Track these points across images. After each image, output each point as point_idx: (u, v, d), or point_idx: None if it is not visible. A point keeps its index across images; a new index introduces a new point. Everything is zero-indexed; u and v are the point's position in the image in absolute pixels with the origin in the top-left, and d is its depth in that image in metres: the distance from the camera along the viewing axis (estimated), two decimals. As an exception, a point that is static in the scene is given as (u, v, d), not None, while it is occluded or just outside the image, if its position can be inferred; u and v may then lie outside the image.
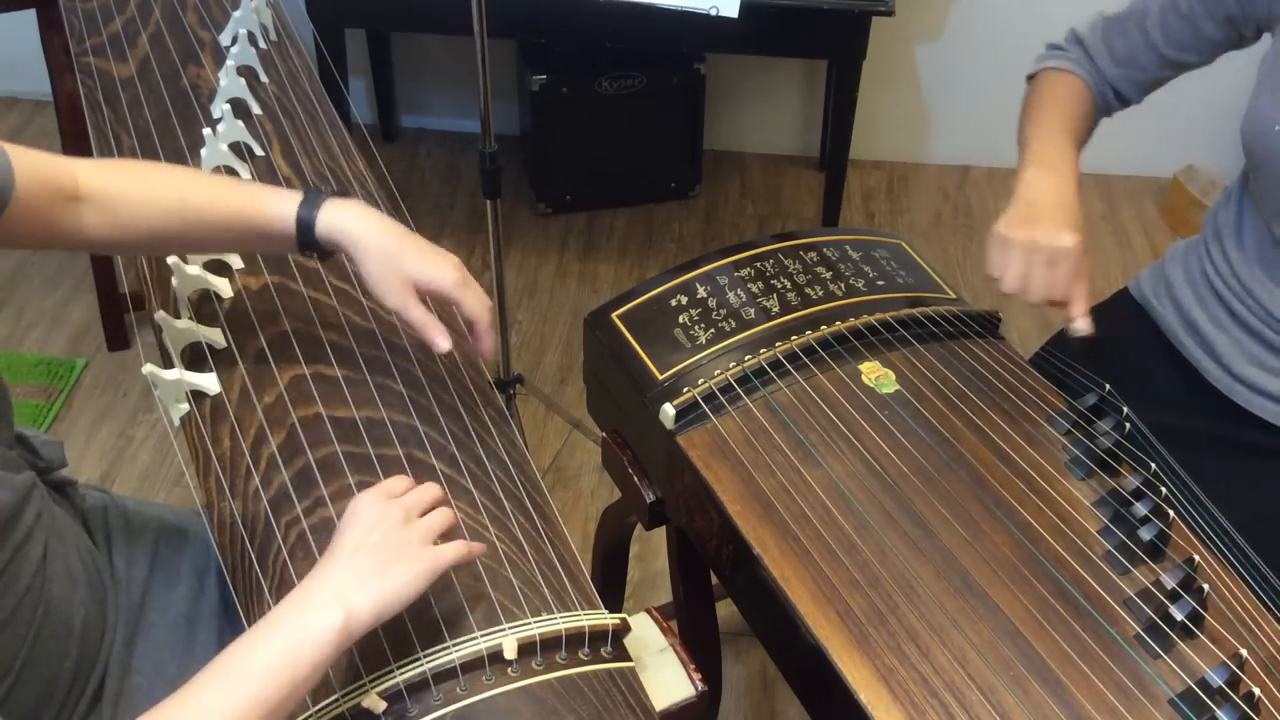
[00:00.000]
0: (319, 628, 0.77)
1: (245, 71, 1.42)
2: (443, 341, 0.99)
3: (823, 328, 1.16)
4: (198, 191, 1.00)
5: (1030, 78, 1.32)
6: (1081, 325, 1.08)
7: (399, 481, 0.91)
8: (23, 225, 0.92)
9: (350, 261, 1.01)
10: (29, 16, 2.00)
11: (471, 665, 0.86)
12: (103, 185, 0.98)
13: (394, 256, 0.98)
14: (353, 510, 0.86)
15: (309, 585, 0.81)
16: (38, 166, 0.94)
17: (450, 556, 0.85)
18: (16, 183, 0.90)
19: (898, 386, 1.12)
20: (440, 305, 1.06)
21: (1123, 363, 1.25)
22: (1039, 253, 1.06)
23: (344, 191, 1.31)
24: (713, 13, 1.67)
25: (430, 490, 0.91)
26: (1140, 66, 1.26)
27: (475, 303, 1.01)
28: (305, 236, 0.99)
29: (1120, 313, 1.37)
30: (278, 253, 1.10)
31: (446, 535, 0.87)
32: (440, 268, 0.99)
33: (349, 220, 0.98)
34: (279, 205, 0.99)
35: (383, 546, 0.82)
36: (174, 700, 0.75)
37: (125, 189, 0.99)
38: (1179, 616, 0.90)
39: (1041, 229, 1.07)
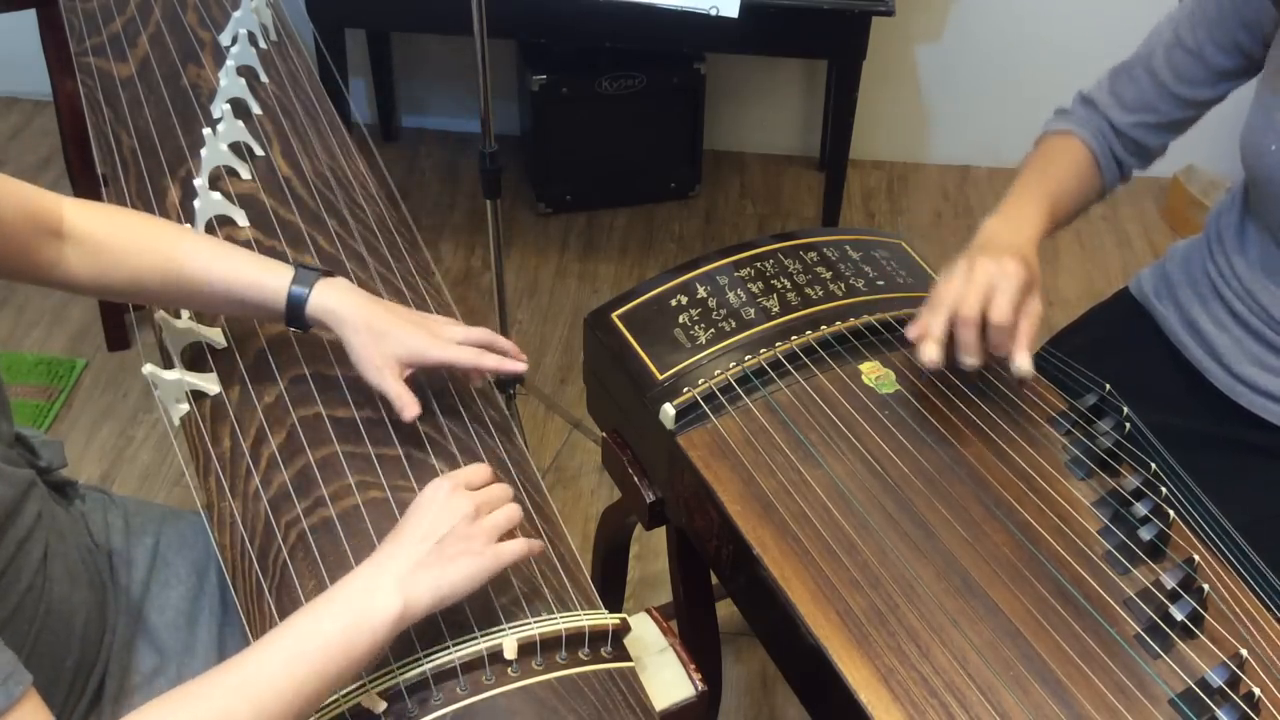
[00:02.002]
0: (378, 612, 0.79)
1: (245, 71, 1.42)
2: (408, 413, 1.00)
3: (823, 328, 1.16)
4: (186, 253, 1.01)
5: (1037, 141, 1.30)
6: (1021, 364, 1.03)
7: (477, 472, 0.92)
8: (2, 253, 0.93)
9: (339, 338, 1.02)
10: (29, 16, 2.00)
11: (471, 665, 0.86)
12: (88, 228, 0.99)
13: (378, 335, 1.00)
14: (430, 495, 0.87)
15: (373, 567, 0.82)
16: (22, 196, 0.94)
17: (510, 555, 0.87)
18: None
19: (898, 386, 1.12)
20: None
21: (1123, 363, 1.25)
22: (978, 271, 1.04)
23: (343, 190, 1.31)
24: (713, 13, 1.67)
25: (502, 489, 0.92)
26: (1154, 110, 1.22)
27: (462, 355, 1.03)
28: (294, 316, 1.01)
29: (1120, 313, 1.37)
30: (258, 319, 1.12)
31: (509, 532, 0.89)
32: (423, 340, 1.01)
33: (336, 302, 1.01)
34: (270, 281, 1.01)
35: (449, 538, 0.84)
36: (228, 668, 0.76)
37: (111, 235, 1.00)
38: (1179, 616, 0.90)
39: (984, 256, 1.05)
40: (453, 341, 1.03)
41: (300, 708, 0.76)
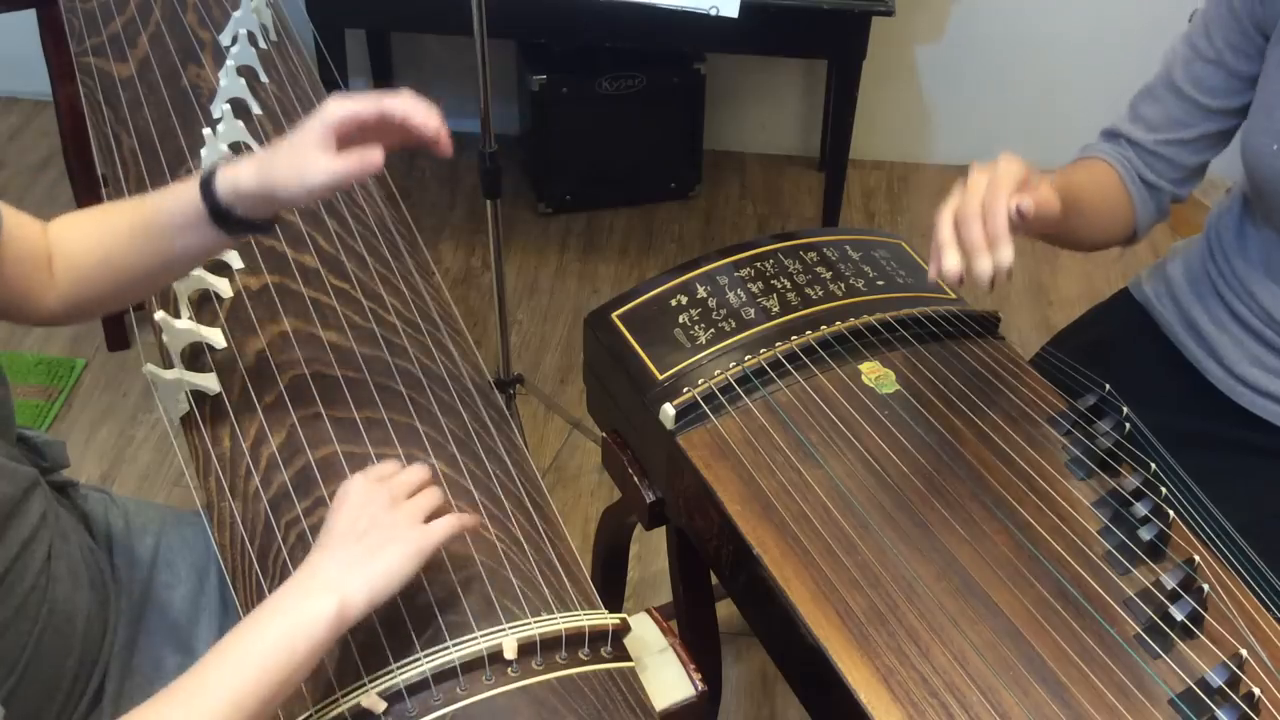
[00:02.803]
0: (313, 616, 0.78)
1: (245, 71, 1.42)
2: (375, 155, 0.88)
3: (823, 328, 1.16)
4: (125, 205, 0.99)
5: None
6: (950, 262, 0.95)
7: (388, 465, 0.91)
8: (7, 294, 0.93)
9: (274, 200, 0.92)
10: (29, 16, 2.00)
11: (471, 665, 0.86)
12: (55, 238, 0.98)
13: (288, 145, 0.90)
14: (341, 494, 0.87)
15: (302, 574, 0.82)
16: (25, 232, 0.94)
17: (440, 533, 0.85)
18: (5, 234, 0.91)
19: (898, 386, 1.12)
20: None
21: (1123, 363, 1.25)
22: (971, 179, 0.98)
23: (340, 192, 1.31)
24: (713, 13, 1.67)
25: (418, 471, 0.91)
26: (1183, 125, 1.18)
27: (383, 103, 0.92)
28: (213, 203, 0.91)
29: (1120, 313, 1.37)
30: (214, 245, 0.99)
31: (438, 514, 0.88)
32: (324, 108, 0.90)
33: (243, 163, 0.92)
34: (186, 187, 0.93)
35: (371, 530, 0.83)
36: (170, 692, 0.76)
37: (65, 234, 0.98)
38: (1179, 616, 0.90)
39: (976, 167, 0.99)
40: (356, 104, 0.91)
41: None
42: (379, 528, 0.84)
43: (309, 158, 0.88)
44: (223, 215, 0.92)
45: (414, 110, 0.93)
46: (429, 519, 0.87)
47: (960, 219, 0.96)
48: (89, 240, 0.98)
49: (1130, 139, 1.21)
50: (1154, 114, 1.19)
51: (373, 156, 0.88)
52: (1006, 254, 0.94)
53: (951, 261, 0.96)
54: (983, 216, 0.95)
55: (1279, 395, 1.18)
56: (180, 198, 0.94)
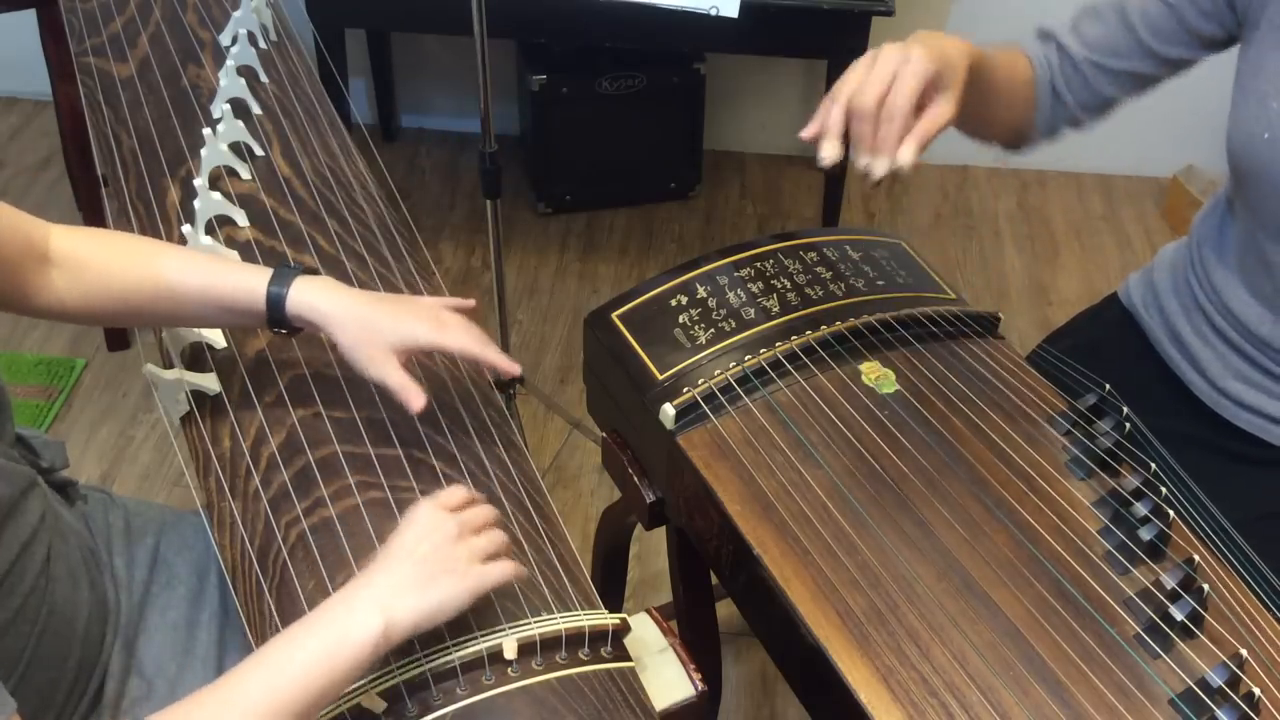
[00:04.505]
0: (359, 632, 0.78)
1: (245, 71, 1.42)
2: (416, 403, 0.98)
3: (823, 328, 1.16)
4: (166, 262, 1.00)
5: None
6: (903, 154, 0.94)
7: (458, 493, 0.90)
8: None
9: (327, 336, 1.00)
10: (29, 16, 2.00)
11: (471, 665, 0.86)
12: (72, 249, 0.99)
13: (367, 326, 0.98)
14: (410, 517, 0.86)
15: (355, 587, 0.82)
16: (15, 221, 0.94)
17: (495, 577, 0.85)
18: None
19: (898, 386, 1.12)
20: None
21: (1110, 369, 1.23)
22: (880, 61, 0.95)
23: (342, 190, 1.31)
24: (713, 13, 1.67)
25: (487, 510, 0.91)
26: (1117, 54, 1.14)
27: (457, 340, 1.01)
28: (275, 314, 0.99)
29: (1109, 318, 1.35)
30: (247, 326, 1.09)
31: (495, 555, 0.88)
32: (414, 324, 0.99)
33: (319, 297, 0.98)
34: (248, 280, 0.99)
35: (431, 559, 0.83)
36: (210, 691, 0.76)
37: (94, 254, 0.99)
38: (1179, 616, 0.90)
39: (890, 45, 0.96)
40: (446, 325, 1.01)
41: None
42: (439, 558, 0.83)
43: (379, 356, 0.98)
44: (278, 322, 1.00)
45: (484, 357, 1.03)
46: (488, 559, 0.86)
47: (854, 110, 0.94)
48: (107, 290, 0.99)
49: (1060, 44, 1.17)
50: (1093, 32, 1.16)
51: (415, 404, 0.98)
52: (906, 156, 0.93)
53: (829, 151, 0.94)
54: (879, 112, 0.93)
55: (1261, 409, 1.17)
56: (239, 287, 0.99)
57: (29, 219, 0.97)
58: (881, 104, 0.93)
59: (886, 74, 0.94)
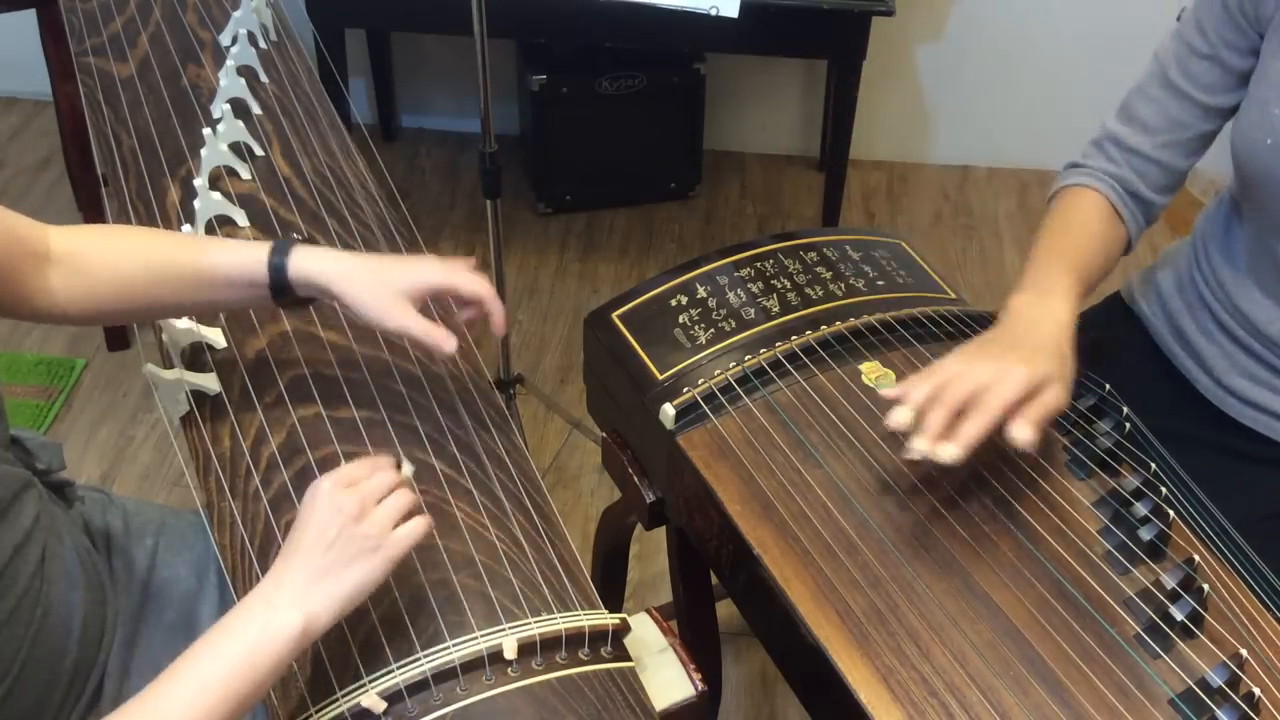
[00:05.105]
0: (277, 632, 0.78)
1: (245, 71, 1.42)
2: (449, 344, 0.98)
3: (823, 328, 1.16)
4: (165, 245, 1.00)
5: (1050, 198, 1.23)
6: (1018, 432, 0.94)
7: (359, 466, 0.87)
8: None
9: (337, 301, 0.99)
10: (29, 16, 2.00)
11: (471, 665, 0.86)
12: (73, 244, 0.98)
13: (376, 277, 0.97)
14: (309, 501, 0.84)
15: (267, 587, 0.81)
16: (9, 221, 0.94)
17: (408, 539, 0.84)
18: None
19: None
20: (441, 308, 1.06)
21: (1112, 367, 1.23)
22: (978, 366, 0.96)
23: (343, 190, 1.31)
24: (713, 13, 1.67)
25: (388, 475, 0.87)
26: (1182, 125, 1.15)
27: (470, 281, 1.01)
28: (279, 281, 0.98)
29: (1111, 317, 1.35)
30: (252, 304, 1.06)
31: (410, 513, 0.86)
32: (422, 266, 1.00)
33: (322, 260, 0.98)
34: (250, 253, 0.98)
35: (338, 544, 0.82)
36: (134, 704, 0.76)
37: (94, 245, 0.99)
38: (1179, 616, 0.90)
39: (991, 352, 0.98)
40: (455, 268, 1.00)
41: None
42: (345, 540, 0.82)
43: (394, 305, 0.96)
44: (282, 291, 0.98)
45: (491, 305, 1.03)
46: (402, 517, 0.85)
47: (940, 395, 0.96)
48: (109, 282, 0.99)
49: (1126, 145, 1.18)
50: (1151, 115, 1.17)
51: (448, 345, 0.97)
52: (950, 454, 0.94)
53: (902, 418, 0.96)
54: (959, 407, 0.95)
55: (1267, 407, 1.17)
56: (240, 258, 0.98)
57: (25, 221, 0.96)
58: (970, 401, 0.95)
59: (979, 381, 0.96)
